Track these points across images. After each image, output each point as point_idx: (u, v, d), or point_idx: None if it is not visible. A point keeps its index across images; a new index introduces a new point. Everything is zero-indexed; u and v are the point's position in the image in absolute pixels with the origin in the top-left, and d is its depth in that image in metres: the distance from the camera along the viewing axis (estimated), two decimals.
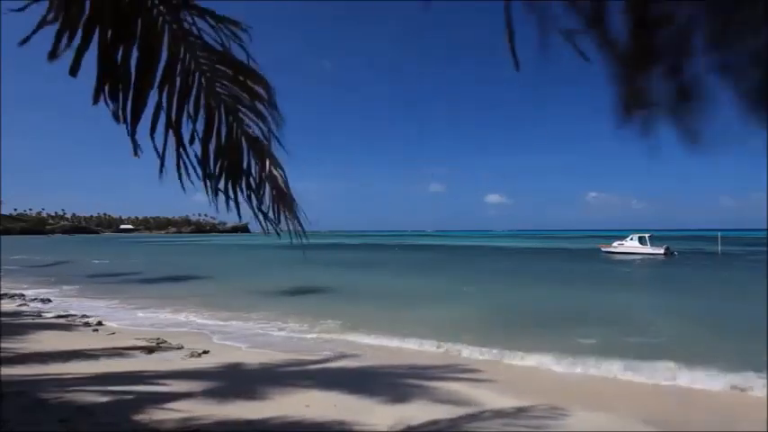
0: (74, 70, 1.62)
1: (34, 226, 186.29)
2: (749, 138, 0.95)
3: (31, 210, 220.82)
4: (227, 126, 2.07)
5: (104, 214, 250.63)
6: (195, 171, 1.99)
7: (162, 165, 1.88)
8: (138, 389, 6.00)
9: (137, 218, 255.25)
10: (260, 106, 2.07)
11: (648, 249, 38.92)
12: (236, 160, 2.11)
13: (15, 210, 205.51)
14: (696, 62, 0.95)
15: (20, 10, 1.56)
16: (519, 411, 5.75)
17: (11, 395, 5.13)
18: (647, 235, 40.29)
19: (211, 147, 2.04)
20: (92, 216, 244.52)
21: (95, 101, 1.68)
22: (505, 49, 1.11)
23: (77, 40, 1.62)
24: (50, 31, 1.58)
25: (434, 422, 5.24)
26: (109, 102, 1.71)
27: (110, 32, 1.66)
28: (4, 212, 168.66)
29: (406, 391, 6.47)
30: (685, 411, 6.10)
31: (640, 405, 6.28)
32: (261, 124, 2.10)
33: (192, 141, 1.96)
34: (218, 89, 2.00)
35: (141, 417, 4.92)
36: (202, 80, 1.95)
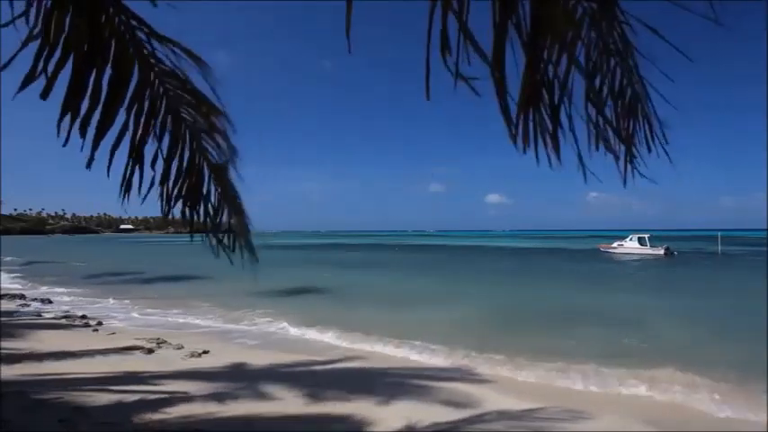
0: (47, 92, 1.70)
1: (34, 226, 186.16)
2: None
3: (31, 210, 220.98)
4: (191, 151, 2.19)
5: (104, 214, 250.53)
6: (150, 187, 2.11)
7: (125, 181, 2.01)
8: (138, 389, 5.99)
9: (137, 218, 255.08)
10: (218, 137, 2.20)
11: (648, 250, 38.98)
12: (197, 184, 2.23)
13: (15, 210, 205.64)
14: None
15: (4, 25, 1.61)
16: (521, 413, 5.75)
17: (11, 395, 5.13)
18: (646, 235, 40.37)
19: (173, 169, 2.16)
20: (92, 216, 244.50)
21: (62, 115, 1.76)
22: (507, 50, 1.30)
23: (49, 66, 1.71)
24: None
25: (436, 423, 5.24)
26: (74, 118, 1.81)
27: (85, 52, 1.76)
28: (4, 212, 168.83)
29: (407, 392, 6.47)
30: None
31: (640, 411, 6.29)
32: (218, 153, 2.23)
33: (154, 162, 2.07)
34: (183, 114, 2.13)
35: (141, 417, 4.92)
36: (170, 105, 2.07)
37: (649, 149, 1.60)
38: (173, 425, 4.74)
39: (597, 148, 1.48)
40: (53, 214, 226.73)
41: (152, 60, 1.96)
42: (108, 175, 1.94)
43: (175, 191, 2.17)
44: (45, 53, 1.68)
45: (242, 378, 6.82)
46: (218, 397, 5.79)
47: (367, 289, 19.20)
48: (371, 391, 6.28)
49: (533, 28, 1.25)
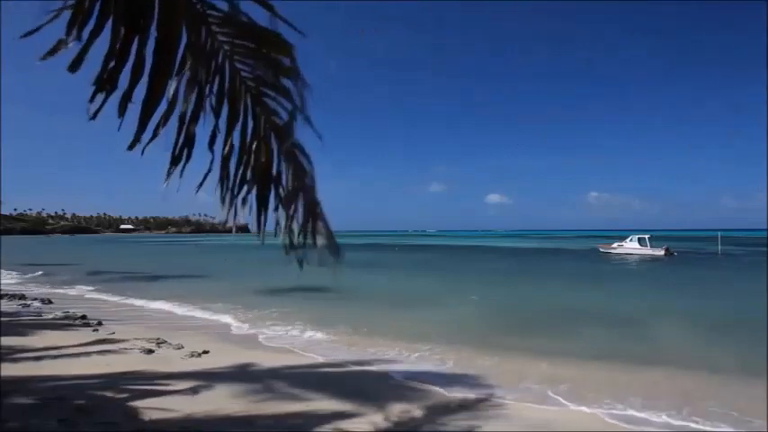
0: (76, 64, 1.47)
1: (34, 226, 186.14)
2: None
3: (31, 210, 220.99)
4: (254, 119, 1.74)
5: (104, 214, 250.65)
6: (199, 174, 1.71)
7: (173, 165, 1.65)
8: (138, 389, 5.99)
9: (137, 218, 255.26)
10: (285, 82, 1.71)
11: (648, 250, 39.05)
12: (266, 163, 1.75)
13: (15, 210, 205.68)
14: None
15: None
16: (522, 412, 5.74)
17: (11, 395, 5.13)
18: (646, 236, 40.46)
19: (230, 148, 1.74)
20: (92, 216, 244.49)
21: (96, 92, 1.50)
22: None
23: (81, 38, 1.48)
24: (47, 29, 1.45)
25: (436, 423, 5.23)
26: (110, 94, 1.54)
27: (125, 13, 1.50)
28: (4, 212, 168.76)
29: (407, 391, 6.46)
30: None
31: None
32: (286, 104, 1.73)
33: (212, 141, 1.70)
34: (243, 73, 1.71)
35: (141, 417, 4.92)
36: (226, 64, 1.68)
37: None
38: (173, 425, 4.74)
39: None
40: (53, 214, 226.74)
41: (201, 9, 1.60)
42: (142, 154, 1.58)
43: (239, 174, 1.74)
44: (79, 20, 1.46)
45: (242, 378, 6.82)
46: (218, 397, 5.79)
47: (367, 289, 19.20)
48: (371, 391, 6.28)
49: None
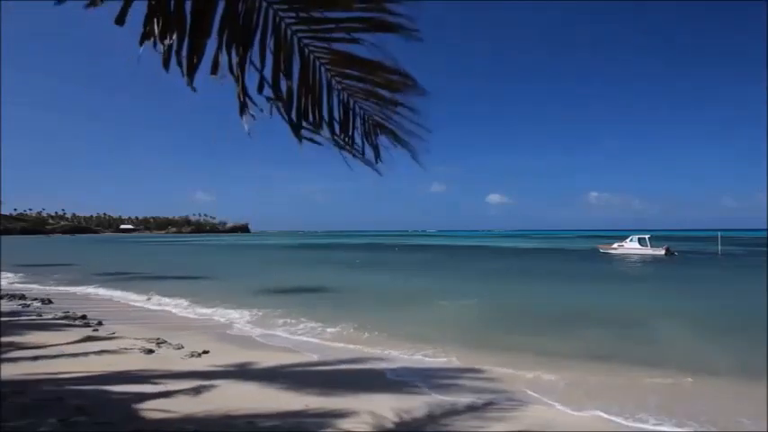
0: (122, 17, 1.51)
1: (34, 226, 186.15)
2: None
3: (31, 210, 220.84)
4: (302, 62, 1.80)
5: (104, 214, 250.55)
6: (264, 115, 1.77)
7: (242, 109, 1.70)
8: (138, 389, 5.99)
9: (137, 218, 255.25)
10: (352, 14, 1.74)
11: (649, 250, 39.07)
12: (318, 100, 1.86)
13: (15, 210, 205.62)
14: None
15: None
16: (521, 411, 5.75)
17: (11, 395, 5.13)
18: (647, 236, 40.46)
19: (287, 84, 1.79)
20: (92, 216, 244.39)
21: (142, 42, 1.56)
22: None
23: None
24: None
25: (435, 422, 5.24)
26: (159, 45, 1.58)
27: None
28: (4, 212, 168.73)
29: (406, 391, 6.47)
30: None
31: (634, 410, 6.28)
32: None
33: (260, 89, 1.75)
34: (290, 21, 1.74)
35: (141, 416, 4.92)
36: (269, 15, 1.71)
37: None
38: (173, 425, 4.74)
39: None
40: (53, 214, 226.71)
41: None
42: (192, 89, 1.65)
43: (294, 113, 1.82)
44: None
45: (242, 378, 6.82)
46: (217, 397, 5.79)
47: (367, 289, 19.19)
48: (371, 391, 6.28)
49: None
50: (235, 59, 1.68)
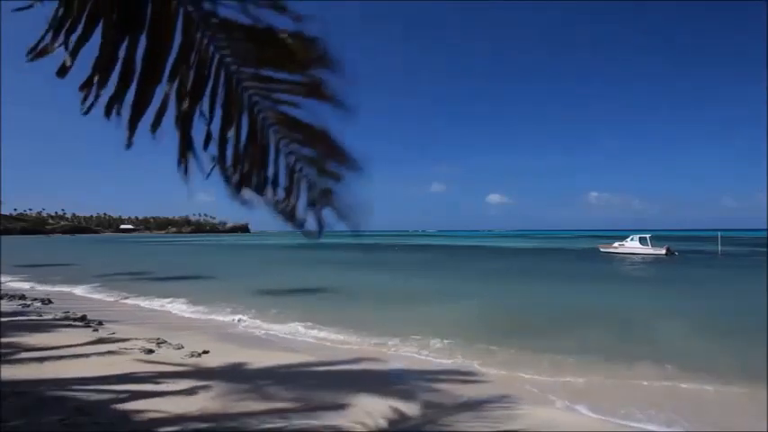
0: (65, 69, 1.49)
1: (34, 226, 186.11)
2: None
3: (31, 210, 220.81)
4: (250, 119, 1.79)
5: (104, 214, 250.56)
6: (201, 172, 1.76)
7: (181, 163, 1.68)
8: (138, 389, 5.99)
9: (137, 218, 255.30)
10: (299, 77, 1.72)
11: (650, 250, 39.02)
12: (262, 158, 1.83)
13: (15, 210, 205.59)
14: None
15: (23, 9, 1.47)
16: (522, 411, 5.74)
17: (11, 395, 5.13)
18: (647, 236, 40.38)
19: (232, 147, 1.79)
20: (92, 216, 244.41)
21: (86, 96, 1.53)
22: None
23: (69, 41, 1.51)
24: (40, 26, 1.47)
25: (435, 422, 5.24)
26: (100, 93, 1.56)
27: (114, 20, 1.52)
28: (4, 212, 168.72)
29: (406, 391, 6.46)
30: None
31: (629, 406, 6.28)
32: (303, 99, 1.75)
33: (207, 143, 1.73)
34: (242, 69, 1.73)
35: (141, 417, 4.92)
36: (221, 69, 1.70)
37: None
38: (173, 425, 4.74)
39: None
40: (53, 214, 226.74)
41: (195, 14, 1.61)
42: (127, 148, 1.63)
43: (238, 173, 1.80)
44: (67, 25, 1.48)
45: (242, 378, 6.82)
46: (218, 397, 5.79)
47: (367, 288, 19.18)
48: (371, 391, 6.28)
49: None
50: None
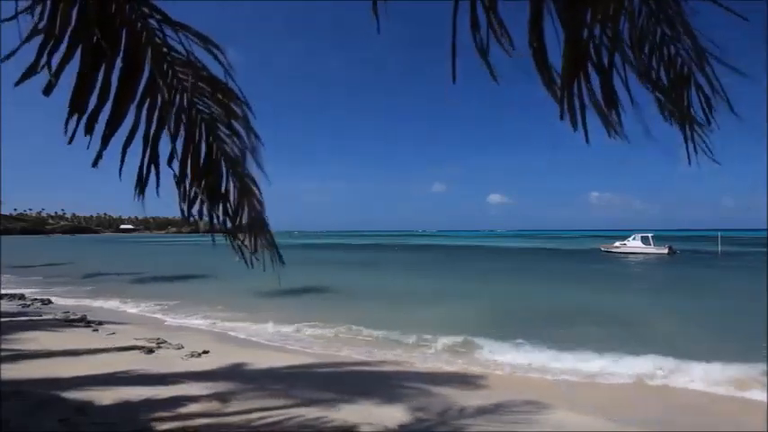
0: (50, 87, 1.59)
1: (34, 226, 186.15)
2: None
3: (31, 210, 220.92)
4: (207, 146, 2.07)
5: (104, 214, 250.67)
6: (169, 186, 2.01)
7: (139, 180, 1.88)
8: (138, 389, 5.98)
9: (137, 218, 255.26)
10: (236, 125, 2.09)
11: (652, 249, 38.95)
12: (215, 183, 2.12)
13: (15, 210, 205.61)
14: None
15: (9, 19, 1.51)
16: (522, 413, 5.74)
17: (11, 395, 5.12)
18: (649, 235, 40.28)
19: (189, 166, 2.04)
20: (92, 216, 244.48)
21: (70, 114, 1.65)
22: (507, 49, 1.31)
23: (52, 60, 1.60)
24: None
25: (434, 423, 5.23)
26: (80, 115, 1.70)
27: (94, 44, 1.64)
28: (4, 212, 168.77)
29: (406, 391, 6.46)
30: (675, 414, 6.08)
31: (629, 406, 6.28)
32: (238, 143, 2.12)
33: (170, 160, 1.96)
34: (198, 106, 2.01)
35: (141, 417, 4.91)
36: (184, 97, 1.96)
37: (708, 122, 1.47)
38: (172, 425, 4.73)
39: (665, 118, 1.42)
40: (53, 214, 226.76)
41: (164, 50, 1.83)
42: (120, 176, 1.83)
43: (193, 190, 2.05)
44: (49, 46, 1.57)
45: (242, 378, 6.81)
46: (218, 397, 5.78)
47: (367, 288, 19.18)
48: (371, 392, 6.27)
49: None
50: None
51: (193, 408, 5.29)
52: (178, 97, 1.94)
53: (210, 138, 2.07)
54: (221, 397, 5.78)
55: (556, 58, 1.25)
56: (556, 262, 36.09)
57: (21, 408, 4.78)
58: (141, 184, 1.89)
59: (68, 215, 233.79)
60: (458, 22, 1.25)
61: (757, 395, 6.46)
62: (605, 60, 1.28)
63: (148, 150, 1.88)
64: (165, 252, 57.05)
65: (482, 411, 5.69)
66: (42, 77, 1.59)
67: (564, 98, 1.27)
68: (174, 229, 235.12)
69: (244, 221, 2.25)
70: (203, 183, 2.07)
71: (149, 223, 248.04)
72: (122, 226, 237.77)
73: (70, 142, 1.66)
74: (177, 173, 1.99)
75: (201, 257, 45.52)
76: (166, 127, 1.90)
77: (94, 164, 1.74)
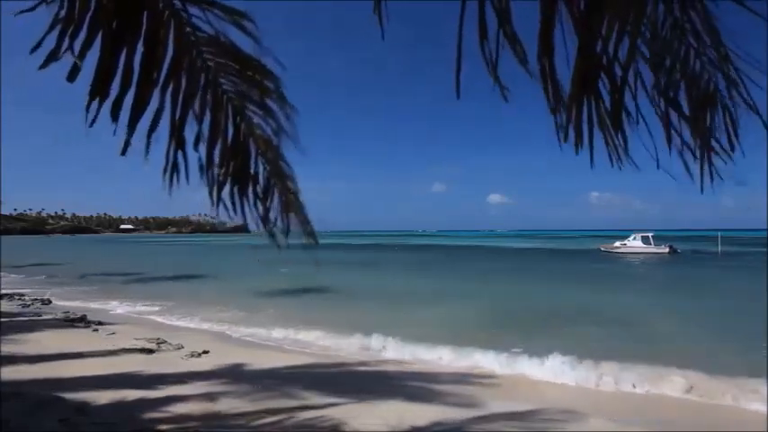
0: (75, 71, 1.55)
1: (34, 226, 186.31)
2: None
3: (30, 210, 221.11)
4: (235, 127, 1.98)
5: (104, 214, 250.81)
6: (197, 174, 1.91)
7: (167, 167, 1.80)
8: (138, 389, 5.98)
9: (137, 218, 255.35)
10: (269, 102, 1.97)
11: (653, 248, 38.88)
12: (244, 165, 2.02)
13: (15, 210, 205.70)
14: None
15: (29, 10, 1.50)
16: (523, 413, 5.73)
17: (11, 395, 5.12)
18: (650, 234, 40.17)
19: (217, 150, 1.94)
20: (92, 216, 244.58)
21: (90, 100, 1.60)
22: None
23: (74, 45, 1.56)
24: (42, 28, 1.54)
25: (435, 423, 5.23)
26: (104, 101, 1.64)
27: (114, 27, 1.59)
28: (4, 212, 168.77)
29: (406, 392, 6.46)
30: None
31: (639, 412, 6.27)
32: (271, 121, 2.00)
33: (196, 144, 1.87)
34: (224, 86, 1.91)
35: (141, 417, 4.91)
36: (209, 77, 1.86)
37: (732, 146, 1.33)
38: (173, 425, 4.74)
39: (669, 145, 1.30)
40: (53, 214, 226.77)
41: (188, 29, 1.75)
42: (146, 157, 1.72)
43: (221, 174, 1.95)
44: (70, 31, 1.54)
45: (242, 378, 6.81)
46: (218, 397, 5.78)
47: (367, 288, 19.19)
48: (371, 391, 6.27)
49: (588, 3, 1.09)
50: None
51: (193, 408, 5.28)
52: (203, 78, 1.84)
53: (238, 118, 1.97)
54: (221, 397, 5.77)
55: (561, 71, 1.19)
56: (556, 262, 36.07)
57: (21, 408, 4.78)
58: (170, 171, 1.80)
59: (68, 215, 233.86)
60: (448, 23, 1.20)
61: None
62: (617, 76, 1.18)
63: (174, 136, 1.80)
64: (165, 252, 57.05)
65: (482, 412, 5.69)
66: (42, 78, 1.57)
67: (570, 117, 1.20)
68: (174, 229, 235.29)
69: (275, 200, 2.12)
70: (231, 166, 1.97)
71: (149, 223, 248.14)
72: (122, 226, 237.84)
73: (91, 125, 1.61)
74: (204, 158, 1.90)
75: (201, 257, 45.57)
76: (190, 110, 1.82)
77: (123, 152, 1.66)
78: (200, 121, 1.86)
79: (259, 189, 2.07)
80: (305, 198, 2.20)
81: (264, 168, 2.09)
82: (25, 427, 4.32)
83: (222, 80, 1.91)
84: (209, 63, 1.84)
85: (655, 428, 5.57)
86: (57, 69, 1.59)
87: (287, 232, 2.14)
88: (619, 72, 1.17)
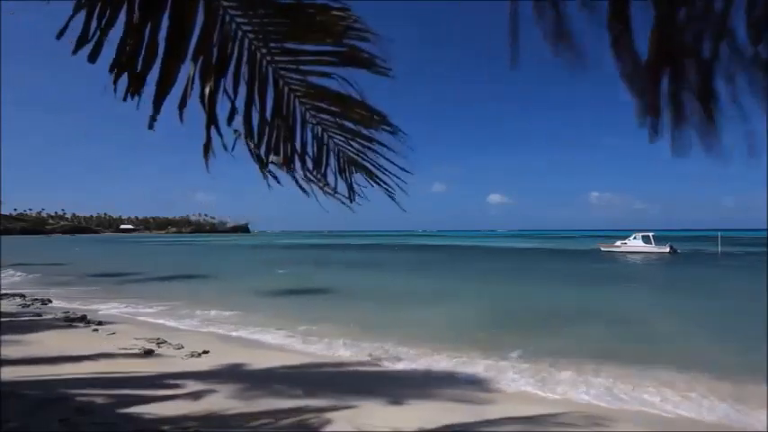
0: (94, 55, 1.50)
1: (34, 226, 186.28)
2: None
3: (30, 210, 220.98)
4: (276, 92, 1.81)
5: (104, 214, 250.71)
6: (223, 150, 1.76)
7: (206, 145, 1.68)
8: (138, 389, 5.99)
9: (137, 218, 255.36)
10: (329, 48, 1.74)
11: (653, 248, 38.85)
12: (290, 127, 1.84)
13: (15, 210, 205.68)
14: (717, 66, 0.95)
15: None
16: (523, 416, 5.74)
17: (11, 395, 5.12)
18: (650, 234, 40.14)
19: (256, 120, 1.79)
20: (92, 216, 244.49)
21: (117, 78, 1.55)
22: (507, 47, 1.13)
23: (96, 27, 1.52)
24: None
25: (437, 423, 5.23)
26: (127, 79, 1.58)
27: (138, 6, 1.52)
28: (4, 212, 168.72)
29: (406, 393, 6.45)
30: None
31: (639, 412, 6.27)
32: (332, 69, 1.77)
33: (231, 118, 1.74)
34: (262, 50, 1.74)
35: (141, 417, 4.91)
36: (244, 46, 1.71)
37: None
38: (173, 425, 4.73)
39: None
40: (53, 214, 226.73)
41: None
42: (150, 127, 1.63)
43: (266, 136, 1.81)
44: (96, 11, 1.50)
45: (242, 378, 6.81)
46: (218, 397, 5.78)
47: (366, 288, 19.17)
48: (371, 393, 6.26)
49: None
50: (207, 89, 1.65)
51: (193, 408, 5.29)
52: (237, 48, 1.70)
53: (281, 83, 1.82)
54: (221, 397, 5.78)
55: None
56: (556, 262, 36.06)
57: (21, 408, 4.78)
58: (206, 148, 1.69)
59: (68, 215, 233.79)
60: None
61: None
62: (706, 50, 0.95)
63: (207, 110, 1.68)
64: (165, 252, 57.04)
65: (483, 412, 5.69)
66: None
67: (647, 97, 1.00)
68: (173, 229, 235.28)
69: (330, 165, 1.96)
70: (275, 133, 1.83)
71: (149, 223, 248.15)
72: (122, 226, 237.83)
73: (125, 98, 1.56)
74: (242, 129, 1.78)
75: (201, 257, 45.55)
76: (222, 85, 1.69)
77: (150, 126, 1.59)
78: (234, 93, 1.73)
79: (309, 161, 1.93)
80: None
81: (313, 140, 1.94)
82: (25, 427, 4.32)
83: (262, 48, 1.75)
84: (244, 27, 1.70)
85: (655, 428, 5.57)
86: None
87: (351, 193, 2.01)
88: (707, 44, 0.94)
